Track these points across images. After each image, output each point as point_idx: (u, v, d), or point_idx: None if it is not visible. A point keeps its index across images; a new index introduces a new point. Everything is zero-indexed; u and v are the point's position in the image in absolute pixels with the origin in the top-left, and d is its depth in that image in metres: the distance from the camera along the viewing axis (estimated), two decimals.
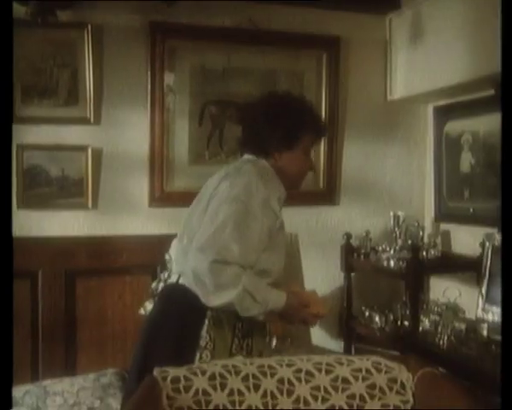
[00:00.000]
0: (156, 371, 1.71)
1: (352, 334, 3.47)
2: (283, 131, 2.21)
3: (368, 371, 1.78)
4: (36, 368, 2.87)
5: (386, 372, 1.78)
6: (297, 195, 3.41)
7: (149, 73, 3.13)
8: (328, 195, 3.53)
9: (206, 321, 2.01)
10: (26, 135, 2.97)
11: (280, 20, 3.35)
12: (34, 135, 2.99)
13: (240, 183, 2.07)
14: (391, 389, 1.76)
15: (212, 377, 1.70)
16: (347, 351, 3.44)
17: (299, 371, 1.76)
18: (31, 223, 3.00)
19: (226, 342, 2.03)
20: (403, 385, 1.77)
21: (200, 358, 2.00)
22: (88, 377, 2.73)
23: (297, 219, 3.45)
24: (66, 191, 3.02)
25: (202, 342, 2.01)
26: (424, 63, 3.25)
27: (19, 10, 2.81)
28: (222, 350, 2.01)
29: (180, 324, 2.02)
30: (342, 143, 3.55)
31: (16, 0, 2.76)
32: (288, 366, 1.77)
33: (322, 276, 3.48)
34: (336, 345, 3.49)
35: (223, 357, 1.96)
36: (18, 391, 2.62)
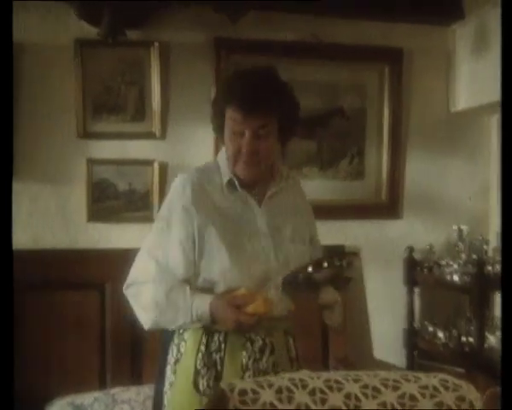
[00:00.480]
0: (223, 384, 1.74)
1: (415, 349, 3.43)
2: (212, 109, 2.02)
3: (435, 388, 1.76)
4: (104, 376, 2.95)
5: (453, 390, 1.76)
6: (359, 208, 3.46)
7: (214, 88, 3.18)
8: (390, 208, 3.51)
9: (175, 337, 1.96)
10: (95, 150, 3.09)
11: (342, 34, 3.36)
12: (103, 150, 3.10)
13: (166, 198, 2.03)
14: (459, 407, 1.73)
15: (279, 391, 1.71)
16: (410, 367, 3.40)
17: (366, 386, 1.75)
18: (99, 235, 3.10)
19: (189, 357, 1.94)
20: (471, 404, 1.74)
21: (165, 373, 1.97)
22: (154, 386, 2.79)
23: (359, 233, 3.45)
24: (134, 205, 3.10)
25: (169, 358, 1.97)
26: (488, 74, 3.20)
27: (91, 31, 2.96)
28: (184, 365, 1.93)
29: (162, 340, 2.02)
30: (405, 156, 3.52)
31: (89, 22, 2.89)
32: (355, 381, 1.77)
33: (384, 290, 3.46)
34: (398, 360, 3.46)
35: (186, 372, 1.92)
36: (87, 398, 2.70)
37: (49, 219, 3.07)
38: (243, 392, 1.71)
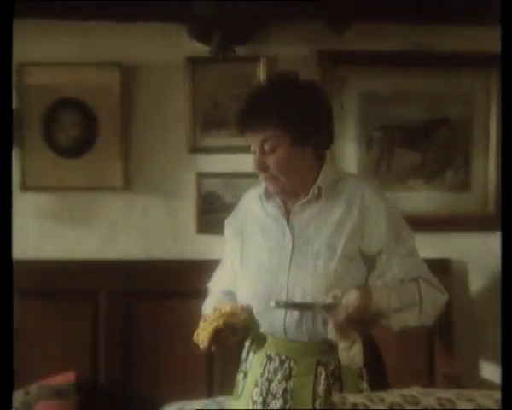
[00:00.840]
0: (335, 397, 1.75)
1: None
2: None
3: None
4: (211, 384, 3.03)
5: None
6: (465, 220, 3.37)
7: None
8: (498, 220, 3.40)
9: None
10: (204, 164, 3.19)
11: (447, 41, 3.27)
12: (211, 164, 3.20)
13: None
14: None
15: (390, 407, 1.71)
16: None
17: (480, 406, 1.72)
18: (204, 247, 3.18)
19: (241, 363, 2.00)
20: None
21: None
22: None
23: (465, 246, 3.36)
24: None
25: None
26: None
27: (202, 49, 3.07)
28: (239, 370, 2.00)
29: None
30: None
31: (200, 41, 3.01)
32: (469, 400, 1.74)
33: (491, 305, 3.34)
34: None
35: (238, 376, 1.98)
36: (196, 405, 2.79)
37: (160, 230, 3.20)
38: (354, 405, 1.72)
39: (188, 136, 3.16)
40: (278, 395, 1.84)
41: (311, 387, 1.83)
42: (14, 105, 3.13)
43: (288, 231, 1.89)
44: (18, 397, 2.76)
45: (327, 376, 1.83)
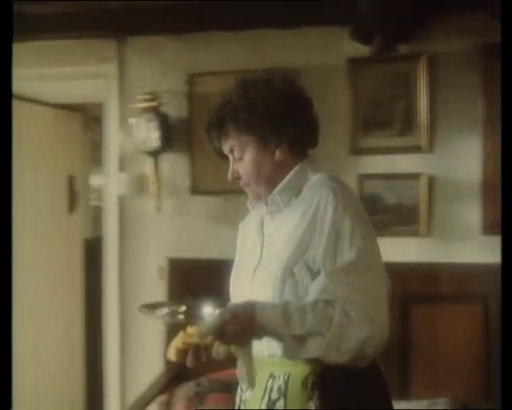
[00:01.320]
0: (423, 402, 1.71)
1: None
2: None
3: None
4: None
5: None
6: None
7: (482, 98, 3.08)
8: None
9: None
10: (365, 165, 3.19)
11: None
12: (372, 165, 3.18)
13: None
14: None
15: None
16: None
17: None
18: None
19: None
20: None
21: None
22: (421, 402, 2.77)
23: None
24: (401, 219, 3.12)
25: None
26: None
27: (362, 50, 3.08)
28: None
29: None
30: None
31: (361, 42, 3.03)
32: None
33: None
34: None
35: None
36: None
37: None
38: None
39: (349, 137, 3.18)
40: (243, 406, 1.78)
41: (259, 401, 1.70)
42: (186, 113, 3.35)
43: (258, 241, 1.79)
44: (191, 388, 2.94)
45: (271, 390, 1.68)
